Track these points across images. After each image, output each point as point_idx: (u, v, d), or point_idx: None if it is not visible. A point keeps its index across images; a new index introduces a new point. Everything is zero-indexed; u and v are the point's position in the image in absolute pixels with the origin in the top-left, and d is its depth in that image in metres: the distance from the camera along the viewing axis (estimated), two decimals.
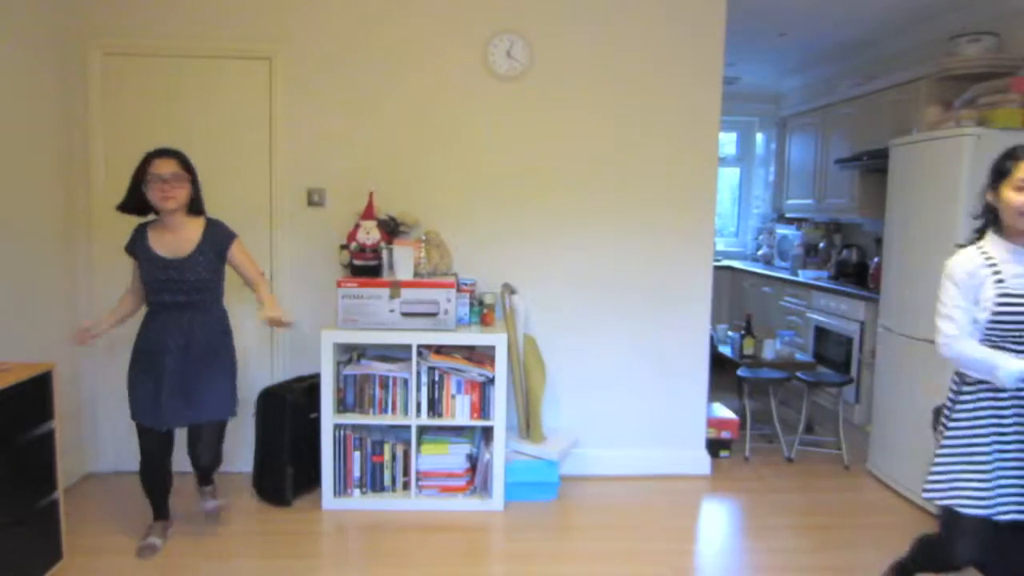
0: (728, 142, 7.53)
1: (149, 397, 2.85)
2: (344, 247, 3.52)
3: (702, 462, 3.95)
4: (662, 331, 3.87)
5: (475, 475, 3.50)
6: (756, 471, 4.05)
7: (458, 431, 3.53)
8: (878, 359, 4.02)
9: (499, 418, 3.39)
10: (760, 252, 7.14)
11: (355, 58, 3.66)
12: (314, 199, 3.72)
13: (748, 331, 4.67)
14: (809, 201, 6.09)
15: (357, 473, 3.43)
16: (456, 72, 3.69)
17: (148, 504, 3.07)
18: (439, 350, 3.43)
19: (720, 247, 7.35)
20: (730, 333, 4.91)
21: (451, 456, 3.45)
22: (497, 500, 3.43)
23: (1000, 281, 2.11)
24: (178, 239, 2.85)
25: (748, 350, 4.60)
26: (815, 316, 5.42)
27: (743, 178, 7.63)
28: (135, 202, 2.84)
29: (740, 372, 4.43)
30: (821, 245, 6.11)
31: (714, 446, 4.12)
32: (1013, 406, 2.15)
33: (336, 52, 3.65)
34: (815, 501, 3.65)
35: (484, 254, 3.78)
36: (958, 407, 2.24)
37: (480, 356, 3.47)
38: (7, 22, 3.10)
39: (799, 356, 4.78)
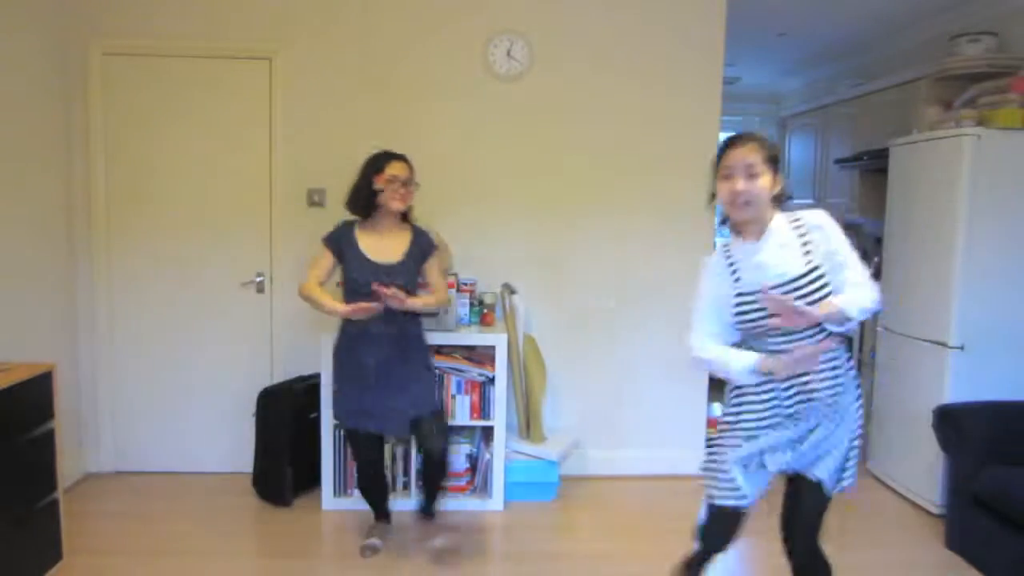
0: None
1: (357, 400, 2.81)
2: None
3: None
4: (662, 331, 3.86)
5: (475, 475, 3.50)
6: None
7: (458, 431, 3.53)
8: (878, 359, 4.02)
9: (499, 418, 3.39)
10: None
11: (355, 58, 3.66)
12: (314, 199, 3.72)
13: None
14: (809, 201, 6.09)
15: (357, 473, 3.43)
16: (456, 72, 3.69)
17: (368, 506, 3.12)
18: (439, 350, 3.42)
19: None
20: None
21: (451, 456, 3.45)
22: (497, 500, 3.43)
23: (737, 280, 2.04)
24: (387, 242, 2.81)
25: None
26: None
27: None
28: (363, 201, 2.81)
29: None
30: None
31: None
32: (777, 405, 2.04)
33: (336, 52, 3.65)
34: None
35: (484, 254, 3.78)
36: (726, 414, 2.16)
37: (480, 356, 3.47)
38: (7, 22, 3.10)
39: None
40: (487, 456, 3.44)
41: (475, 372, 3.38)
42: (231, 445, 3.75)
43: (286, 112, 3.66)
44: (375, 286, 2.64)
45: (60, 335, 3.55)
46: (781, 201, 2.05)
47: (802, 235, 1.98)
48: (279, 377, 3.73)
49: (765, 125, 7.39)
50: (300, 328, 3.72)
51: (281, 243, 3.73)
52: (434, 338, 3.34)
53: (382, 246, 2.81)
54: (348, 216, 2.89)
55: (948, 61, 4.10)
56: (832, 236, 1.98)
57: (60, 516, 2.75)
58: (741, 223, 2.03)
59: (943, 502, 3.32)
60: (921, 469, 3.50)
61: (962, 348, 3.32)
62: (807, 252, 1.96)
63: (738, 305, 2.02)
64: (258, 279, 3.75)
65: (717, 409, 4.33)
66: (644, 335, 3.85)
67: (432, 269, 2.93)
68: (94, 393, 3.74)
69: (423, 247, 2.90)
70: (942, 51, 4.26)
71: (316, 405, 3.41)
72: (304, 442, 3.46)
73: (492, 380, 3.38)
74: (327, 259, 2.84)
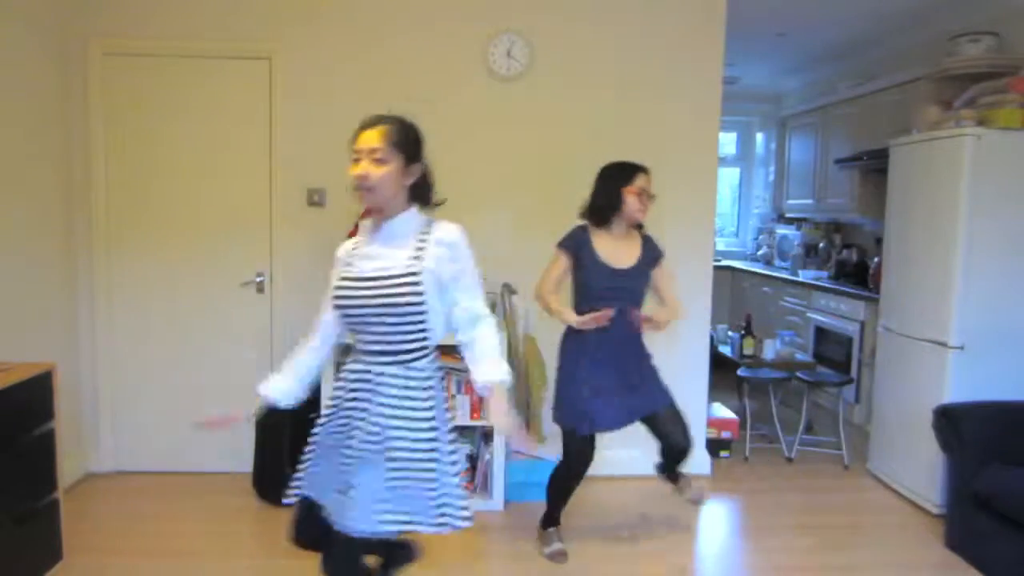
0: (728, 142, 7.53)
1: (588, 403, 2.83)
2: None
3: (702, 462, 3.95)
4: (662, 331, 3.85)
5: (475, 475, 3.50)
6: (756, 471, 4.05)
7: (458, 431, 3.52)
8: (878, 359, 4.02)
9: None
10: (760, 252, 7.14)
11: (355, 58, 3.66)
12: (314, 199, 3.72)
13: (748, 331, 4.67)
14: (809, 201, 6.09)
15: None
16: (456, 72, 3.69)
17: (544, 509, 3.12)
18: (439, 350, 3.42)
19: (720, 247, 7.35)
20: (730, 333, 4.91)
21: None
22: (497, 500, 3.43)
23: (349, 265, 1.95)
24: (621, 248, 2.89)
25: (748, 350, 4.60)
26: (815, 316, 5.42)
27: (743, 178, 7.63)
28: (601, 211, 2.90)
29: (740, 372, 4.43)
30: (821, 245, 6.11)
31: (714, 446, 4.12)
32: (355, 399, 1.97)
33: (336, 52, 3.65)
34: (815, 501, 3.65)
35: (484, 254, 3.76)
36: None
37: None
38: (7, 22, 3.10)
39: (799, 356, 4.78)
40: (487, 456, 3.44)
41: None
42: (231, 445, 3.74)
43: (286, 112, 3.66)
44: (632, 313, 2.81)
45: (60, 335, 3.55)
46: (424, 195, 2.02)
47: (423, 239, 1.94)
48: None
49: (765, 125, 7.40)
50: (300, 328, 3.69)
51: (281, 243, 3.73)
52: None
53: (614, 250, 2.88)
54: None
55: (948, 61, 4.11)
56: (461, 256, 1.98)
57: (60, 516, 2.75)
58: (372, 210, 1.95)
59: (943, 502, 3.32)
60: (921, 469, 3.50)
61: (962, 348, 3.32)
62: (416, 257, 1.90)
63: (337, 290, 1.92)
64: (258, 279, 3.75)
65: (718, 409, 4.34)
66: (644, 334, 3.84)
67: (662, 277, 2.97)
68: (94, 393, 3.74)
69: (654, 254, 2.95)
70: (942, 51, 4.26)
71: (316, 405, 3.41)
72: (304, 442, 3.45)
73: None
74: (563, 262, 2.91)
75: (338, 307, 1.94)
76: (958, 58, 4.04)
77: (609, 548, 3.10)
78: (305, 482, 2.07)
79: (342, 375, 2.02)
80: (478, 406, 3.40)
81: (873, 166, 4.84)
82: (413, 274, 1.88)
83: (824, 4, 4.38)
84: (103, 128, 3.62)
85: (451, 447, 1.99)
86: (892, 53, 5.15)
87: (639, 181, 2.84)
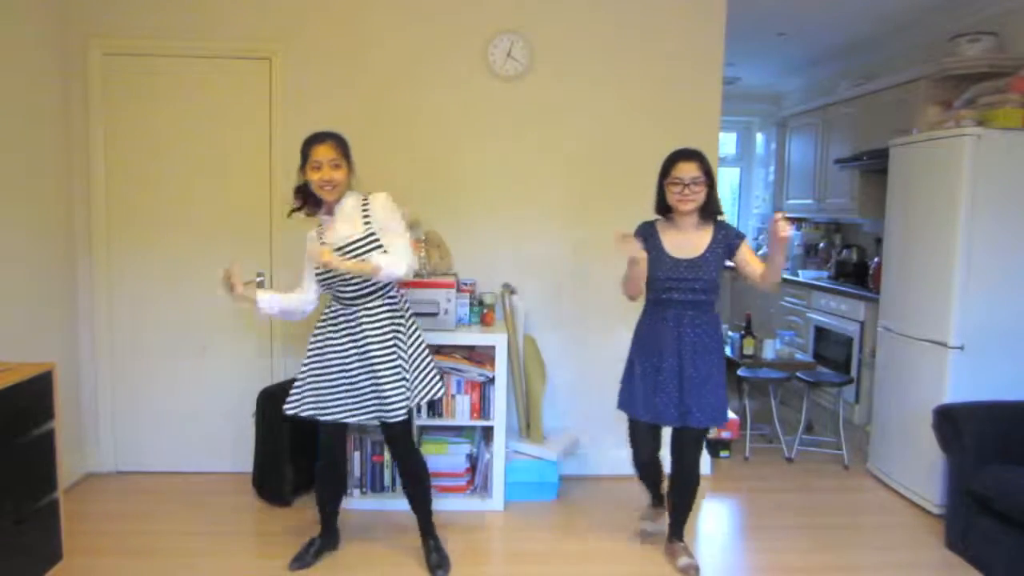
0: (728, 142, 7.53)
1: (641, 392, 2.85)
2: None
3: (702, 462, 3.94)
4: None
5: (475, 475, 3.50)
6: (756, 471, 4.05)
7: (458, 431, 3.53)
8: (878, 359, 4.02)
9: (499, 418, 3.39)
10: (760, 252, 7.13)
11: (355, 58, 3.66)
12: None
13: (748, 331, 4.67)
14: (809, 201, 6.10)
15: (357, 473, 3.43)
16: (456, 72, 3.69)
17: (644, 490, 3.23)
18: (439, 350, 3.42)
19: None
20: (730, 333, 4.91)
21: (451, 456, 3.45)
22: (497, 500, 3.43)
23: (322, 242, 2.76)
24: (688, 239, 2.83)
25: (748, 350, 4.60)
26: (815, 316, 5.43)
27: (743, 178, 7.64)
28: (660, 203, 2.90)
29: (740, 372, 4.43)
30: (821, 245, 6.11)
31: (714, 446, 4.12)
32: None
33: (336, 52, 3.65)
34: (815, 501, 3.65)
35: (484, 254, 3.78)
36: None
37: (480, 356, 3.47)
38: (7, 23, 3.11)
39: (799, 356, 4.78)
40: (487, 456, 3.44)
41: (475, 372, 3.38)
42: (231, 445, 3.75)
43: (286, 112, 3.66)
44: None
45: (60, 335, 3.55)
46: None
47: (364, 209, 2.72)
48: (279, 377, 3.74)
49: (765, 125, 7.40)
50: (300, 328, 3.71)
51: (281, 243, 3.73)
52: (434, 338, 3.35)
53: (682, 241, 2.83)
54: None
55: (948, 61, 4.11)
56: (385, 212, 2.72)
57: (60, 516, 2.75)
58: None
59: (943, 502, 3.32)
60: (921, 469, 3.50)
61: (962, 348, 3.32)
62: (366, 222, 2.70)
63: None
64: (258, 279, 3.75)
65: None
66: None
67: (744, 256, 2.83)
68: (94, 393, 3.74)
69: (728, 239, 2.83)
70: (942, 51, 4.26)
71: None
72: (304, 442, 3.46)
73: (492, 380, 3.38)
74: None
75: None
76: (958, 58, 4.05)
77: (610, 548, 3.10)
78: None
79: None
80: (478, 406, 3.40)
81: (873, 166, 4.84)
82: (371, 235, 2.76)
83: (824, 4, 4.39)
84: (103, 128, 3.62)
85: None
86: (892, 53, 5.16)
87: (675, 171, 2.77)
